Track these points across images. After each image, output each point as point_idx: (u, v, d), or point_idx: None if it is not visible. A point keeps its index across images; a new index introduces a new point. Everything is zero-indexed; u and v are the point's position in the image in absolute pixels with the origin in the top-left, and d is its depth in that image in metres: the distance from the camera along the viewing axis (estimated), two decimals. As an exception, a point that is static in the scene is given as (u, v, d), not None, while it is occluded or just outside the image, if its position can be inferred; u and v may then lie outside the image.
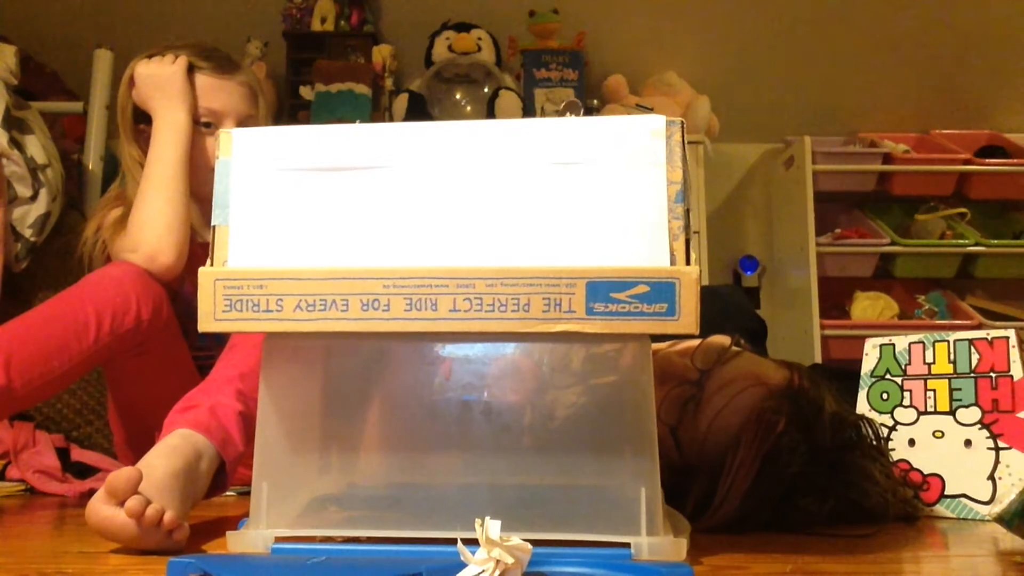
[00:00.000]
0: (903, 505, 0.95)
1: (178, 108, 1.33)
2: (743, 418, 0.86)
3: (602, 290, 0.65)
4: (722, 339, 0.97)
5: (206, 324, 0.69)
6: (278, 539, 0.70)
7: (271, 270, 0.69)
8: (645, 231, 0.67)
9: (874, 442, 0.96)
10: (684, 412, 0.91)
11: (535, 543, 0.59)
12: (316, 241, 0.70)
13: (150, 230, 1.26)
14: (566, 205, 0.68)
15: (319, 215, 0.71)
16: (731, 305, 1.35)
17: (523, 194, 0.69)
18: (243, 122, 1.39)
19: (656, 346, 0.99)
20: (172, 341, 1.31)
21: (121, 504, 0.75)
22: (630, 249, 0.66)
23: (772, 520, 0.86)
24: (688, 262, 0.66)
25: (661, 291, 0.64)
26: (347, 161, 0.71)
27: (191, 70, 1.36)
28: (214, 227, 0.71)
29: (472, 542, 0.57)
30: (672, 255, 0.66)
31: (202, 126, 1.37)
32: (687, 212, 0.67)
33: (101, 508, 0.76)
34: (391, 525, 0.71)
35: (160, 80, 1.34)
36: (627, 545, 0.66)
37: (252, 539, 0.71)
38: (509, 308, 0.65)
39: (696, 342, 0.97)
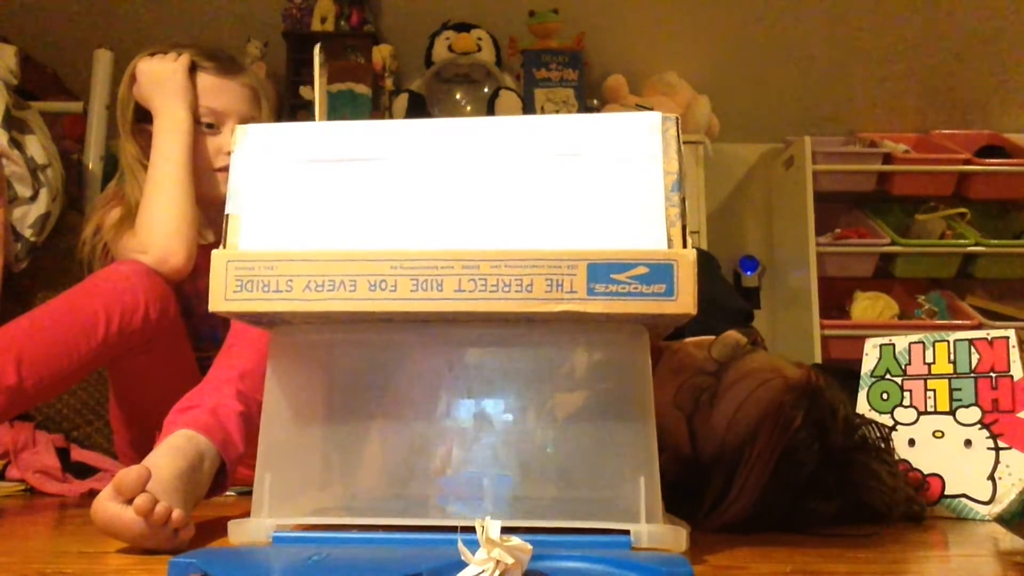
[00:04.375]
0: (909, 504, 0.95)
1: (179, 106, 1.32)
2: (763, 410, 0.86)
3: (603, 271, 0.67)
4: (738, 334, 0.97)
5: (217, 304, 0.70)
6: (279, 527, 0.71)
7: (282, 252, 0.70)
8: (643, 217, 0.69)
9: (882, 444, 0.96)
10: (699, 402, 0.91)
11: (535, 531, 0.59)
12: (326, 229, 0.72)
13: (159, 232, 1.26)
14: (568, 194, 0.71)
15: (328, 205, 0.73)
16: (718, 295, 1.34)
17: (527, 184, 0.71)
18: (244, 123, 1.38)
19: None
20: (177, 340, 1.31)
21: (129, 502, 0.75)
22: (629, 234, 0.69)
23: (782, 521, 0.85)
24: (684, 246, 0.68)
25: (659, 272, 0.67)
26: (355, 153, 0.74)
27: (194, 69, 1.36)
28: (227, 215, 0.73)
29: (472, 539, 0.57)
30: (669, 240, 0.69)
31: (203, 126, 1.36)
32: (683, 200, 0.70)
33: (108, 506, 0.76)
34: (392, 518, 0.71)
35: (161, 77, 1.34)
36: (627, 533, 0.67)
37: (254, 528, 0.71)
38: (512, 288, 0.67)
39: (712, 336, 0.98)
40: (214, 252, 0.71)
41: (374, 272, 0.68)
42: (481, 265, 0.67)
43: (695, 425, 0.91)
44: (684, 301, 0.66)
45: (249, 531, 0.71)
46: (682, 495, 0.81)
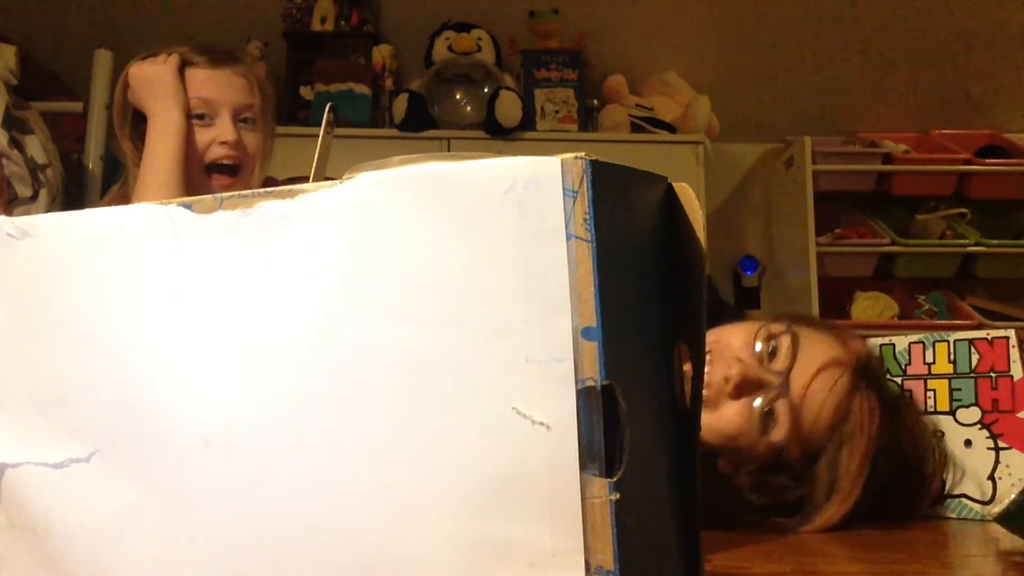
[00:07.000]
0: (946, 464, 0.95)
1: (171, 107, 1.32)
2: (846, 408, 0.85)
3: None
4: (779, 327, 0.89)
5: None
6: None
7: None
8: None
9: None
10: (772, 413, 0.85)
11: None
12: None
13: None
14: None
15: None
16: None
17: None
18: (239, 111, 1.37)
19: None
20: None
21: None
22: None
23: (872, 511, 0.85)
24: None
25: None
26: None
27: (185, 66, 1.36)
28: None
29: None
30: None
31: (195, 118, 1.35)
32: None
33: None
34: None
35: (152, 80, 1.33)
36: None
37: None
38: None
39: (748, 347, 0.87)
40: None
41: None
42: None
43: (787, 455, 0.87)
44: None
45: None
46: (768, 503, 0.81)
